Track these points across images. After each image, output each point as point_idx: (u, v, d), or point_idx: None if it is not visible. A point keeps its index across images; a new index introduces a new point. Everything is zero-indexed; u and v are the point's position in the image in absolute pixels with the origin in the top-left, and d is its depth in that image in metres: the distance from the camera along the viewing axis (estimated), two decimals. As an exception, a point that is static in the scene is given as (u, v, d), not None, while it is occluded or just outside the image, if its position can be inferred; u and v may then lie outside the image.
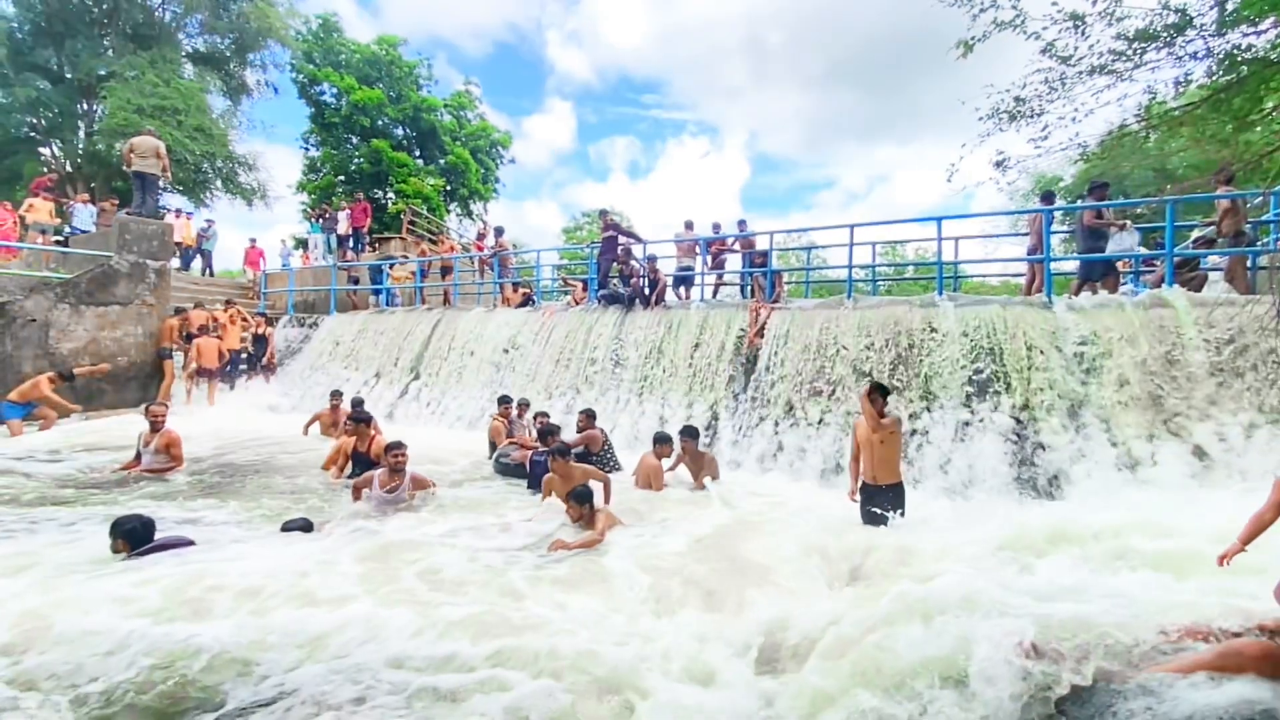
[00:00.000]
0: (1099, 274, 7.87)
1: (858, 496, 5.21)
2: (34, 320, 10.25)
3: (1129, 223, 7.97)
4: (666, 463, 6.45)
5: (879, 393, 5.02)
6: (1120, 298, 7.04)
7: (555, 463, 5.60)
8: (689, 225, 11.78)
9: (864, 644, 2.98)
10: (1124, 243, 7.80)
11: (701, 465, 6.40)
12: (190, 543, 4.22)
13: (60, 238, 12.91)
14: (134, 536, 3.99)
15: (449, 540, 4.62)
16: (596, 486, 5.66)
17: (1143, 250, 8.80)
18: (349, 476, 6.50)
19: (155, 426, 6.91)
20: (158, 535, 4.12)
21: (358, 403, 8.87)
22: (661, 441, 6.44)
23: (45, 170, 17.97)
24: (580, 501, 4.86)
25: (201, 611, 3.26)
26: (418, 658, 2.91)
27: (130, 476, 6.66)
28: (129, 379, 11.24)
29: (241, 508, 5.64)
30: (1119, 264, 8.28)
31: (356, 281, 14.89)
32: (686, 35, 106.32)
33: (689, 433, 6.47)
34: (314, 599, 3.45)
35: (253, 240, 17.33)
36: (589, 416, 7.28)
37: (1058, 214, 11.59)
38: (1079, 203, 9.65)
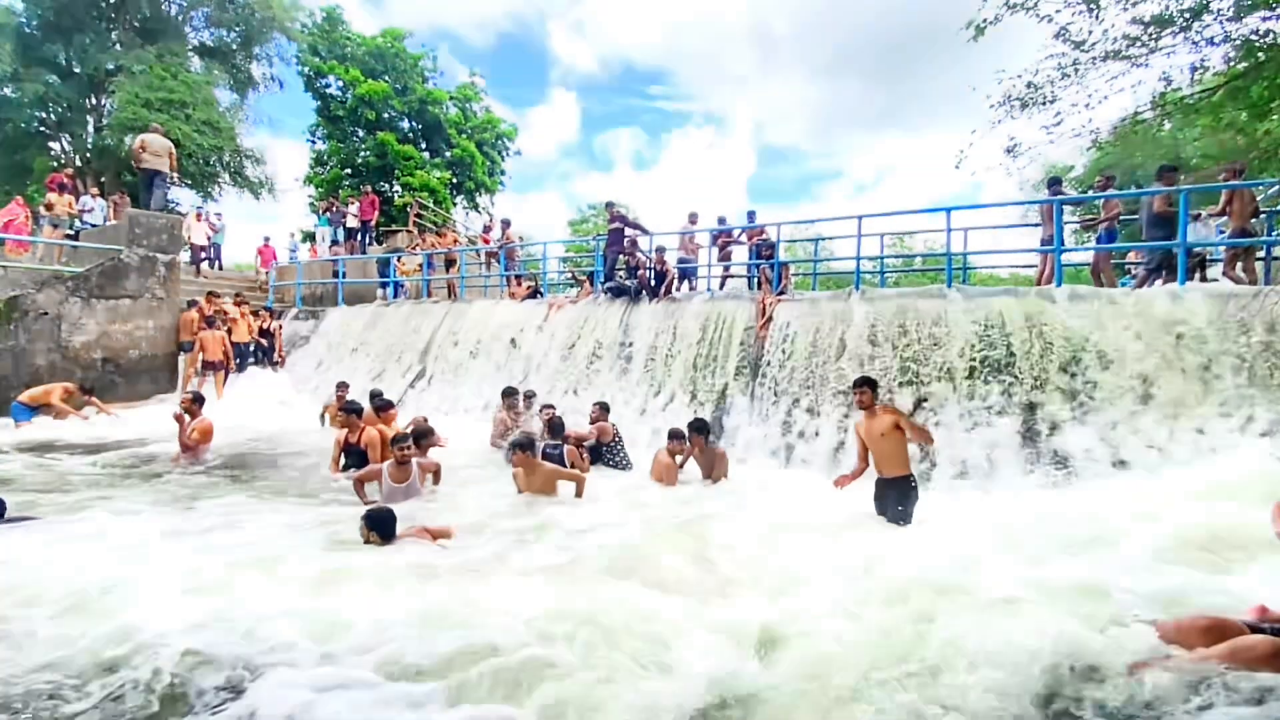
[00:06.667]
0: (1166, 263, 7.53)
1: (846, 486, 5.25)
2: (46, 313, 10.34)
3: (1203, 213, 7.82)
4: (679, 459, 6.41)
5: (866, 386, 5.08)
6: (1126, 289, 6.94)
7: (518, 456, 5.56)
8: (693, 218, 11.70)
9: (873, 636, 2.97)
10: (1199, 233, 7.62)
11: (713, 461, 6.34)
12: (32, 518, 4.47)
13: (71, 232, 13.00)
14: None
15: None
16: (567, 485, 5.63)
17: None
18: (342, 469, 6.34)
19: (190, 416, 7.14)
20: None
21: (376, 394, 8.80)
22: (675, 438, 6.36)
23: (57, 165, 18.09)
24: (370, 526, 4.05)
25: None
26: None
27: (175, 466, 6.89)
28: (140, 372, 11.32)
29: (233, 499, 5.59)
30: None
31: (337, 275, 14.57)
32: (691, 25, 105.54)
33: (697, 427, 6.35)
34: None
35: (266, 238, 17.52)
36: (603, 409, 7.26)
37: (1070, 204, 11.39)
38: (1095, 192, 9.50)
